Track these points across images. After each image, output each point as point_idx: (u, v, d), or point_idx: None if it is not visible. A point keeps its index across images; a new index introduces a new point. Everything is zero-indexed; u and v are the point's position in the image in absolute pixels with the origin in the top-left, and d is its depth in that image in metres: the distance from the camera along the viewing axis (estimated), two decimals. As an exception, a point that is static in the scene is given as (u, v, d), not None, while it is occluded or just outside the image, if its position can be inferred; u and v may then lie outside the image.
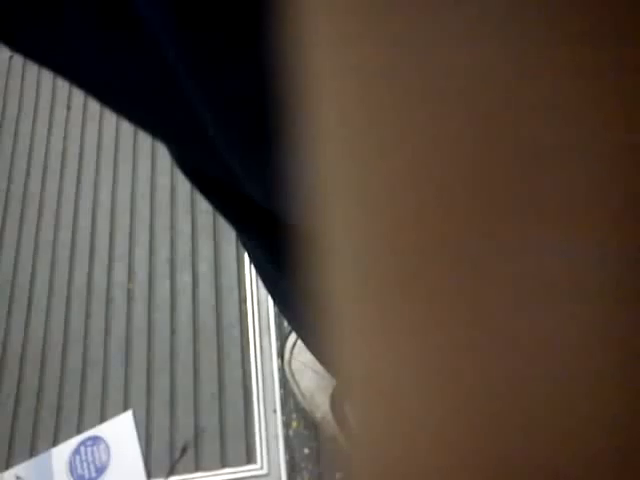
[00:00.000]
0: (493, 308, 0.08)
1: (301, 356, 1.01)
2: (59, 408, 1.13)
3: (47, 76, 1.45)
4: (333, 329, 0.10)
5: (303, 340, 0.94)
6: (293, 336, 1.04)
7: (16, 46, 0.35)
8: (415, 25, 0.08)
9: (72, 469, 1.07)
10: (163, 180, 1.29)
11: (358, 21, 0.08)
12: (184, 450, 1.05)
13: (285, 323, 1.09)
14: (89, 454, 1.08)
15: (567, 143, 0.07)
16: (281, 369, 1.06)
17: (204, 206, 1.22)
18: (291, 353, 1.03)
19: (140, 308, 1.18)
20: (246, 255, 1.15)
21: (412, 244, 0.08)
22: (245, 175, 0.37)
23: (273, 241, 0.51)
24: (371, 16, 0.08)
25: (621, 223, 0.07)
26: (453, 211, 0.08)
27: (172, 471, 1.04)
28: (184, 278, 1.19)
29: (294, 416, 1.03)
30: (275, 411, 1.05)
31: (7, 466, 1.11)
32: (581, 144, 0.07)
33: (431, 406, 0.09)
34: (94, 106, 1.39)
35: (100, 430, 1.09)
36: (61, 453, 1.09)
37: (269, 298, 1.12)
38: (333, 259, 0.10)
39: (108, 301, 1.20)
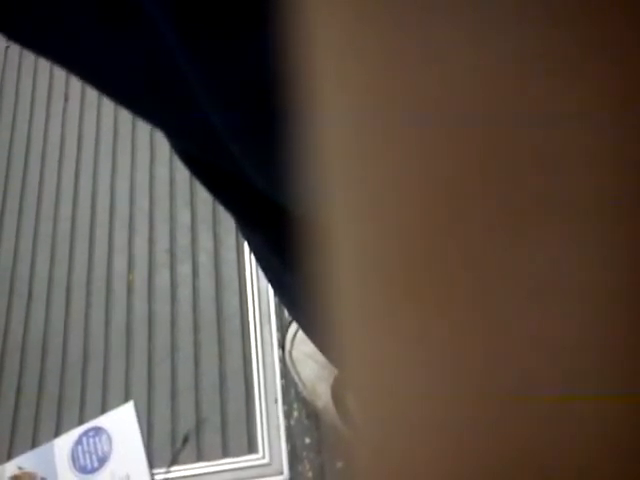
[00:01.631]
0: (499, 302, 0.08)
1: (302, 346, 1.01)
2: (60, 399, 1.14)
3: (44, 66, 1.45)
4: (335, 319, 0.10)
5: (304, 330, 0.94)
6: (294, 326, 1.04)
7: (14, 35, 0.35)
8: (422, 22, 0.08)
9: (74, 460, 1.08)
10: (162, 170, 1.29)
11: (364, 11, 0.08)
12: (185, 440, 1.05)
13: (286, 313, 1.10)
14: (91, 445, 1.08)
15: (571, 143, 0.07)
16: (282, 359, 1.06)
17: (204, 196, 1.22)
18: (292, 343, 1.03)
19: (140, 299, 1.19)
20: (246, 245, 1.15)
21: (417, 235, 0.08)
22: (247, 162, 0.37)
23: (276, 231, 0.51)
24: (376, 11, 0.08)
25: (627, 223, 0.07)
26: (460, 203, 0.08)
27: (174, 461, 1.04)
28: (184, 269, 1.19)
29: (295, 406, 1.04)
30: (276, 401, 1.05)
31: (9, 457, 1.11)
32: (585, 144, 0.07)
33: (433, 397, 0.09)
34: (92, 96, 1.39)
35: (102, 421, 1.10)
36: (63, 444, 1.10)
37: (269, 288, 1.12)
38: (337, 249, 0.10)
39: (108, 292, 1.21)
